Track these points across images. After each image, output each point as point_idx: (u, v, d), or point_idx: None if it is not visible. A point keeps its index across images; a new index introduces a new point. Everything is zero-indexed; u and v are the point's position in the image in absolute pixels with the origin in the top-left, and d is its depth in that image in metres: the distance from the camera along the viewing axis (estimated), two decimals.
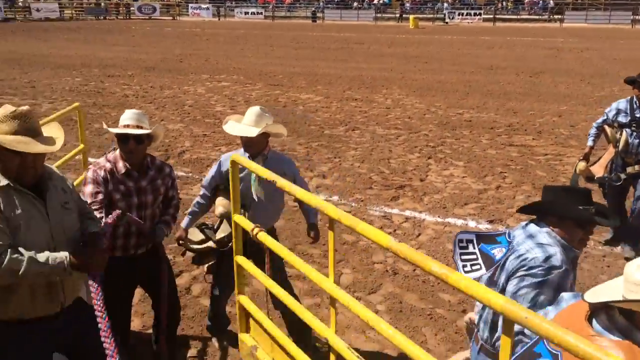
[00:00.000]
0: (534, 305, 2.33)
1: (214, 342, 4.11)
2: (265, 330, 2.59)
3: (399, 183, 7.54)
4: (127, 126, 3.24)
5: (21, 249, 2.32)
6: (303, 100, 13.21)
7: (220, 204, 3.69)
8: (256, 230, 2.66)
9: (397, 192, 7.23)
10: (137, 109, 3.52)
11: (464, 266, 2.57)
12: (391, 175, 7.90)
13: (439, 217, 6.46)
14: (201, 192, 3.81)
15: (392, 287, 4.97)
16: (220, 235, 3.71)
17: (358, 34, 33.79)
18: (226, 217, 3.66)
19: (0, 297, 2.37)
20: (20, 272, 2.28)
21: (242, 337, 2.87)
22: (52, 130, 2.63)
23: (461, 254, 2.62)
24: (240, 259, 2.77)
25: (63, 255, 2.40)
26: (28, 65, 18.21)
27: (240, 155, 3.71)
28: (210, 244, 3.71)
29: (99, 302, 2.50)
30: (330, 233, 1.96)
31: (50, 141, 2.48)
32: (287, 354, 2.40)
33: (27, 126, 2.39)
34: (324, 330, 2.09)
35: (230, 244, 3.62)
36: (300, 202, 3.76)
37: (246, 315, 2.83)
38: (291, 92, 14.29)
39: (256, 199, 3.63)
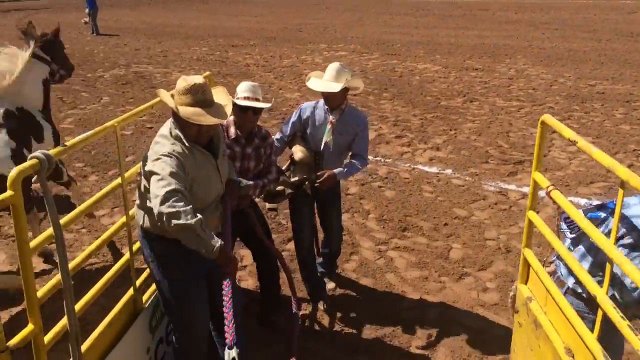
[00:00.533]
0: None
1: (320, 305, 4.27)
2: (543, 284, 2.76)
3: (517, 158, 7.20)
4: (247, 98, 3.45)
5: (198, 214, 2.52)
6: (420, 70, 12.93)
7: (300, 150, 3.94)
8: (551, 187, 2.70)
9: (515, 168, 6.92)
10: (258, 78, 3.74)
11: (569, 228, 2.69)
12: (510, 149, 7.56)
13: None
14: (278, 136, 4.01)
15: (503, 265, 4.82)
16: (294, 178, 3.95)
17: None
18: (304, 162, 3.92)
19: None
20: (179, 222, 2.46)
21: (521, 287, 3.10)
22: (219, 95, 2.92)
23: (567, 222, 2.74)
24: (531, 214, 2.93)
25: (218, 242, 2.55)
26: (161, 35, 19.47)
27: (323, 108, 3.93)
28: (285, 186, 3.97)
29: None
30: (620, 191, 2.11)
31: (221, 111, 2.78)
32: (560, 309, 2.53)
33: (203, 98, 2.70)
34: (596, 288, 2.18)
35: (302, 187, 3.95)
36: (352, 156, 4.02)
37: (527, 267, 3.04)
38: (408, 61, 14.03)
39: (330, 148, 3.89)
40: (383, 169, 6.97)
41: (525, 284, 3.06)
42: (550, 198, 2.65)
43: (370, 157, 7.35)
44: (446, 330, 4.00)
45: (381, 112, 9.44)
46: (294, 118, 4.02)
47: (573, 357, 2.37)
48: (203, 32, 20.17)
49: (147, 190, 2.69)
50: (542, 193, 3.00)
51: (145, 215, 2.88)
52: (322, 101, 3.94)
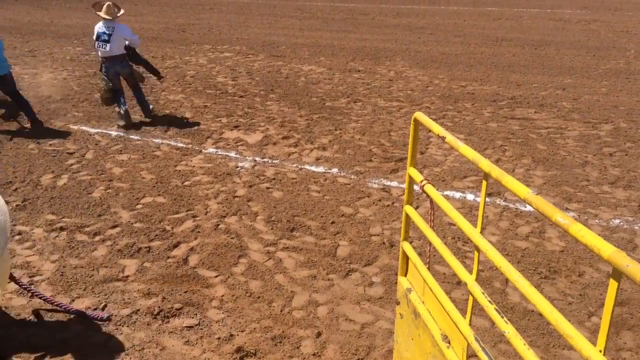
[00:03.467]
0: None
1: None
2: (420, 275, 2.81)
3: (399, 156, 7.53)
4: None
5: None
6: (305, 72, 13.10)
7: None
8: (424, 182, 2.77)
9: (396, 165, 7.22)
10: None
11: None
12: (391, 147, 7.88)
13: (437, 189, 6.45)
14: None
15: (388, 259, 5.01)
16: None
17: (363, 4, 33.24)
18: None
19: None
20: None
21: (400, 279, 3.15)
22: None
23: None
24: (408, 208, 2.98)
25: None
26: (29, 34, 18.05)
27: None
28: None
29: None
30: (484, 182, 2.16)
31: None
32: (436, 298, 2.60)
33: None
34: (466, 276, 2.27)
35: None
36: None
37: (406, 260, 3.09)
38: (294, 63, 14.16)
39: None
40: (270, 170, 6.97)
41: (405, 276, 3.19)
42: (424, 192, 2.79)
43: (257, 159, 7.34)
44: (335, 327, 4.07)
45: (268, 113, 9.45)
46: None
47: (449, 342, 2.51)
48: (77, 31, 18.98)
49: None
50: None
51: None
52: None
